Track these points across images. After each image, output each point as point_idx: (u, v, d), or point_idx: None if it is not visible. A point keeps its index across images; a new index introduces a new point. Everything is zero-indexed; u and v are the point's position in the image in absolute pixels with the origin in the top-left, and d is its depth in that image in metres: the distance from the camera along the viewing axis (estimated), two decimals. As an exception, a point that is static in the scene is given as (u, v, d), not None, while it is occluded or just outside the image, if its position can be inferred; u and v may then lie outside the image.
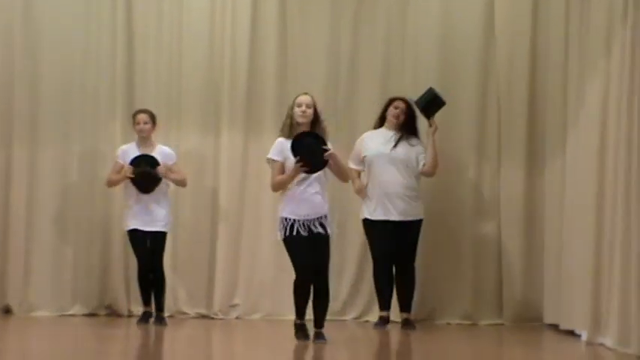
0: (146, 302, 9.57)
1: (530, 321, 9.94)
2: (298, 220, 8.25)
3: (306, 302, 8.31)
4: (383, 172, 9.54)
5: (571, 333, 9.08)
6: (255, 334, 9.36)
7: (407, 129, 9.67)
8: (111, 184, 9.65)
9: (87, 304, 9.99)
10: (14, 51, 10.09)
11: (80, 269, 10.01)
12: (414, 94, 10.08)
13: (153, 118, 9.63)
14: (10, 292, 10.00)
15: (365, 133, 9.75)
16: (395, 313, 9.66)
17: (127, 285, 9.99)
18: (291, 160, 8.23)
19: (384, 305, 9.56)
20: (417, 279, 9.65)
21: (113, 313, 10.00)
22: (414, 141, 9.66)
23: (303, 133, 8.31)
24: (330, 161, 8.32)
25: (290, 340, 8.35)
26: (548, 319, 9.77)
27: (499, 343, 9.38)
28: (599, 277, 8.52)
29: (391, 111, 9.68)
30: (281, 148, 8.33)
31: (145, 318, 9.55)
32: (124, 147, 9.67)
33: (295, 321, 8.39)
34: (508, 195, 10.11)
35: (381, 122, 9.74)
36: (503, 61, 10.18)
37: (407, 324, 9.52)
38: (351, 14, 10.28)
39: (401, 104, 9.69)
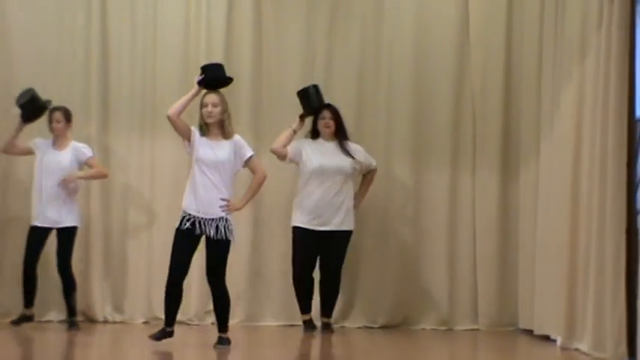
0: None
1: (505, 326, 9.99)
2: None
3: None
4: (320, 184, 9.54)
5: (546, 338, 9.12)
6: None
7: (340, 136, 9.66)
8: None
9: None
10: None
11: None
12: (388, 99, 10.15)
13: (67, 116, 9.61)
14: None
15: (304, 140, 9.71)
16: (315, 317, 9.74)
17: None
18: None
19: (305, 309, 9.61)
20: (383, 284, 9.82)
21: (87, 319, 9.97)
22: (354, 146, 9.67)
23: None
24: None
25: (267, 346, 8.35)
26: (523, 324, 9.82)
27: (474, 349, 9.42)
28: (574, 282, 8.57)
29: (320, 122, 9.67)
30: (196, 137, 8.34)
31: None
32: (41, 140, 9.65)
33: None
34: (483, 201, 10.16)
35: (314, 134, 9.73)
36: (477, 67, 10.23)
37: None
38: (326, 19, 10.29)
39: (327, 113, 9.69)
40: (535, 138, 9.68)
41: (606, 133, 8.12)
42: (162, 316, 9.81)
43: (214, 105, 8.30)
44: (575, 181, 8.65)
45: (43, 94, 9.95)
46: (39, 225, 9.46)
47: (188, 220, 8.26)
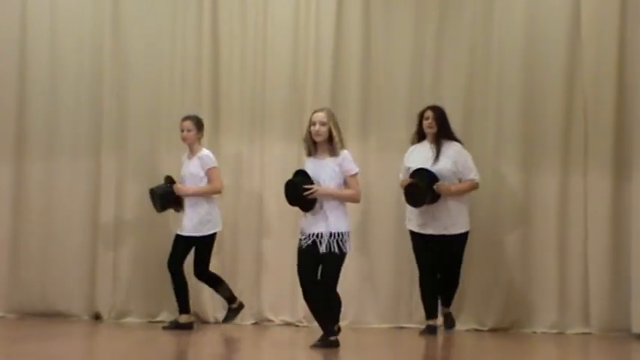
0: None
1: (617, 330, 9.77)
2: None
3: None
4: None
5: (659, 342, 8.93)
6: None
7: (443, 136, 9.56)
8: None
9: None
10: (103, 63, 10.34)
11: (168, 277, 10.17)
12: (498, 99, 10.04)
13: (198, 124, 9.67)
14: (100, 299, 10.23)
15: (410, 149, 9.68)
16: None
17: (212, 292, 10.07)
18: None
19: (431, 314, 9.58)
20: (493, 286, 9.78)
21: (199, 319, 10.12)
22: (450, 150, 9.54)
23: (294, 176, 8.33)
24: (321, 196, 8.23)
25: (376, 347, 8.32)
26: (637, 328, 9.59)
27: (585, 353, 9.23)
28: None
29: (424, 123, 9.60)
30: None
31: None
32: (186, 154, 9.80)
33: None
34: (595, 202, 9.95)
35: (419, 136, 9.66)
36: (589, 65, 10.02)
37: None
38: (435, 20, 10.24)
39: (430, 113, 9.60)
40: (649, 137, 9.46)
41: None
42: (273, 318, 9.97)
43: (322, 123, 8.29)
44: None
45: (156, 98, 10.19)
46: (178, 233, 9.66)
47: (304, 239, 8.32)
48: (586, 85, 10.04)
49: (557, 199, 10.02)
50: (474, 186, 9.56)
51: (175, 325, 9.59)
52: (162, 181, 9.71)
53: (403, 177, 9.62)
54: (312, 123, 8.31)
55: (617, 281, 9.85)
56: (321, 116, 8.28)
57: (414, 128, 9.90)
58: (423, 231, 9.49)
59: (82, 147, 10.36)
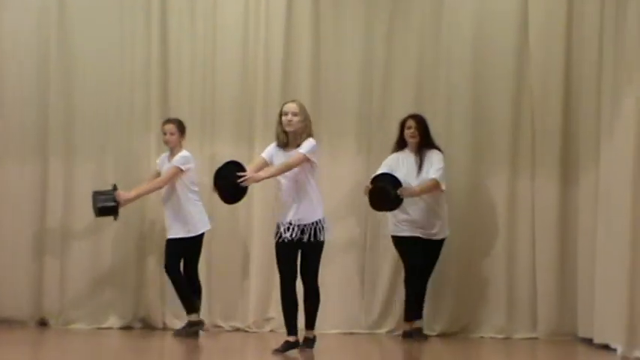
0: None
1: (564, 335, 9.88)
2: None
3: None
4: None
5: (606, 347, 9.00)
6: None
7: (425, 145, 9.64)
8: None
9: (122, 317, 10.05)
10: (49, 65, 10.21)
11: (116, 282, 10.09)
12: (446, 103, 10.09)
13: (180, 128, 9.66)
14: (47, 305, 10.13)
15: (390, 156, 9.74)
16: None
17: (162, 297, 10.02)
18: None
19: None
20: (441, 292, 9.81)
21: (147, 326, 10.06)
22: (433, 158, 9.60)
23: (226, 164, 8.42)
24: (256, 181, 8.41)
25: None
26: (583, 332, 9.69)
27: (532, 358, 9.32)
28: (636, 289, 8.47)
29: (406, 132, 9.65)
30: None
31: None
32: (163, 155, 9.80)
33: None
34: (542, 206, 10.04)
35: (400, 145, 9.72)
36: (537, 72, 10.10)
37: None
38: (384, 22, 10.25)
39: (412, 122, 9.65)
40: (595, 142, 9.54)
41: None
42: (222, 324, 9.93)
43: (294, 114, 8.42)
44: (637, 186, 8.54)
45: (104, 101, 10.12)
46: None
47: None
48: (534, 90, 10.12)
49: (505, 203, 10.09)
50: (435, 185, 9.57)
51: (189, 325, 9.54)
52: (109, 187, 9.65)
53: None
54: (283, 113, 8.43)
55: (563, 286, 9.95)
56: (293, 107, 8.45)
57: (362, 132, 9.99)
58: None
59: (29, 151, 10.23)
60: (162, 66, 10.24)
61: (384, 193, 9.36)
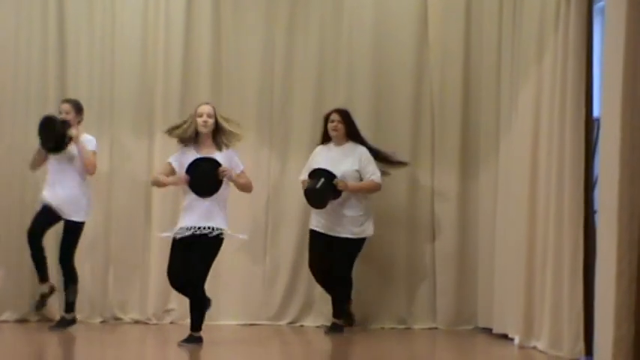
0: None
1: (463, 325, 10.01)
2: None
3: None
4: None
5: (504, 337, 9.14)
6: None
7: (349, 138, 9.67)
8: None
9: (18, 311, 9.87)
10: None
11: (10, 274, 9.89)
12: (347, 99, 10.14)
13: (76, 108, 9.52)
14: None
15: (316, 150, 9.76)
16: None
17: (58, 289, 9.84)
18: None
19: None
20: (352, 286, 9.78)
21: (44, 318, 9.88)
22: (356, 152, 9.63)
23: (201, 159, 8.46)
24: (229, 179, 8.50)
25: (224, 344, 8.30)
26: (482, 322, 9.84)
27: (432, 348, 9.43)
28: (532, 281, 8.61)
29: (329, 125, 9.68)
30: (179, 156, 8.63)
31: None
32: None
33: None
34: (442, 200, 10.16)
35: (325, 139, 9.74)
36: (436, 66, 10.23)
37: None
38: (285, 17, 10.27)
39: (335, 116, 9.69)
40: (494, 137, 9.71)
41: (564, 132, 8.17)
42: (121, 316, 9.82)
43: (209, 115, 8.56)
44: (534, 180, 8.69)
45: (1, 93, 9.91)
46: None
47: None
48: (434, 85, 10.24)
49: (406, 197, 10.18)
50: (375, 186, 9.60)
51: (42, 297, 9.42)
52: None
53: (304, 178, 9.62)
54: (198, 115, 8.53)
55: (464, 277, 10.07)
56: (208, 109, 8.59)
57: (264, 126, 9.99)
58: None
59: None
60: (60, 57, 10.06)
61: (317, 191, 9.38)
